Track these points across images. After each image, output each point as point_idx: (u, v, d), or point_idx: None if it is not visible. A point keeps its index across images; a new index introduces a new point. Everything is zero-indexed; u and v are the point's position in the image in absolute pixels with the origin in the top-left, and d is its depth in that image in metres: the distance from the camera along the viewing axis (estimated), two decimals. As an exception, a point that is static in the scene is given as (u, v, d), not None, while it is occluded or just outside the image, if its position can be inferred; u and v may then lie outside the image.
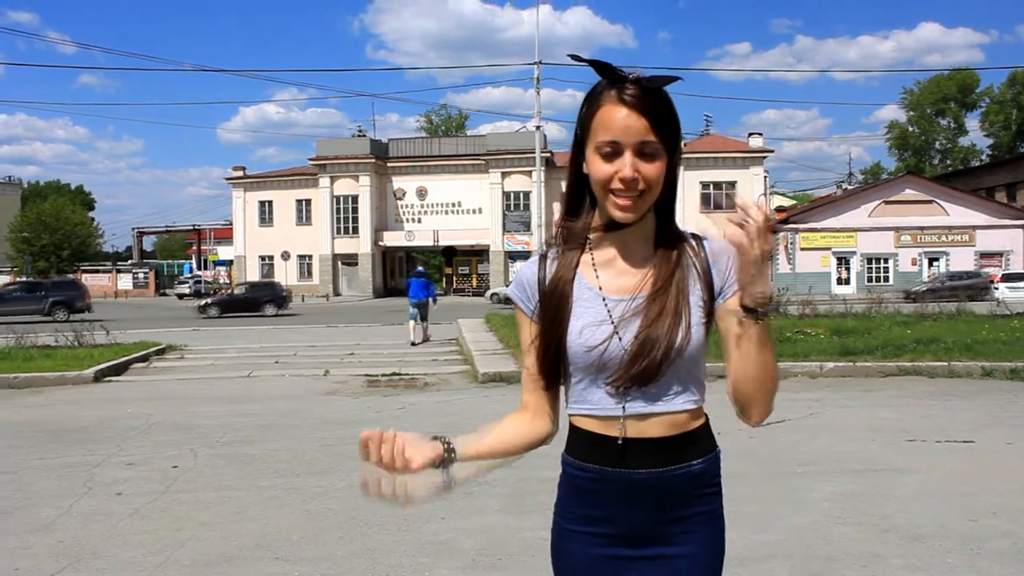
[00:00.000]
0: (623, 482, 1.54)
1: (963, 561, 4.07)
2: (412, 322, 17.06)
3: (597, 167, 1.51)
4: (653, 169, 1.49)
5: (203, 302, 35.70)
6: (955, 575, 3.93)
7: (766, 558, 4.15)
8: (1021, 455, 6.33)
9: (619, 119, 1.47)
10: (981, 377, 10.33)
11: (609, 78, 1.51)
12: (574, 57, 1.54)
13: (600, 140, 1.49)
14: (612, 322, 1.54)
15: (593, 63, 1.51)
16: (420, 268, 21.72)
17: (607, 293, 1.57)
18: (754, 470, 5.83)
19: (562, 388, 1.66)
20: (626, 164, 1.47)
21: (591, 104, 1.52)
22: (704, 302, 1.55)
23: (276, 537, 4.66)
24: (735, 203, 1.43)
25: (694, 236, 1.61)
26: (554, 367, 1.60)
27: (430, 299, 17.91)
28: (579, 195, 1.62)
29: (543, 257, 1.64)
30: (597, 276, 1.59)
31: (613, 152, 1.49)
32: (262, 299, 34.80)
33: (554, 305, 1.58)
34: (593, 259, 1.60)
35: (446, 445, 1.53)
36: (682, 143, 1.58)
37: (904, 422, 7.62)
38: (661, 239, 1.59)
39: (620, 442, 1.54)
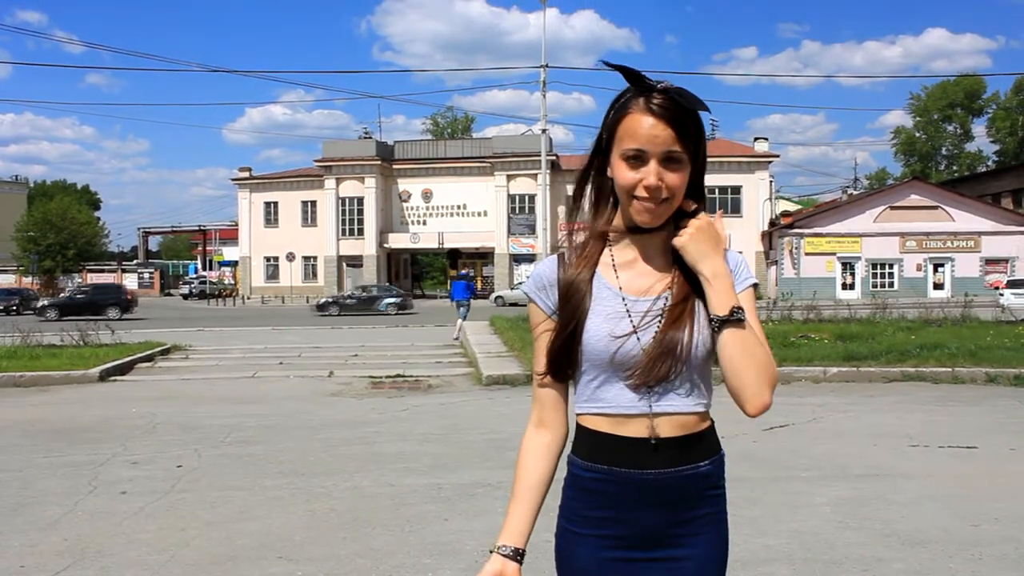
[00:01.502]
0: (631, 482, 1.55)
1: (965, 566, 4.07)
2: (460, 320, 18.89)
3: (622, 173, 1.53)
4: (677, 178, 1.52)
5: (41, 304, 36.27)
6: (957, 580, 3.94)
7: (768, 562, 4.15)
8: (1024, 461, 6.33)
9: (646, 128, 1.49)
10: (985, 383, 10.30)
11: (638, 86, 1.53)
12: (605, 63, 1.56)
13: (626, 147, 1.51)
14: (631, 321, 1.56)
15: (622, 69, 1.53)
16: (463, 271, 24.69)
17: (626, 293, 1.58)
18: (757, 474, 5.83)
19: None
20: (651, 172, 1.50)
21: (618, 110, 1.54)
22: None
23: (280, 537, 4.68)
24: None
25: None
26: (566, 363, 1.61)
27: (470, 300, 20.23)
28: (603, 196, 1.64)
29: (562, 256, 1.66)
30: (617, 276, 1.60)
31: (638, 160, 1.51)
32: (105, 302, 35.23)
33: (572, 301, 1.59)
34: (613, 259, 1.62)
35: (518, 558, 1.59)
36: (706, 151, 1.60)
37: (907, 427, 7.61)
38: None
39: (631, 441, 1.55)
